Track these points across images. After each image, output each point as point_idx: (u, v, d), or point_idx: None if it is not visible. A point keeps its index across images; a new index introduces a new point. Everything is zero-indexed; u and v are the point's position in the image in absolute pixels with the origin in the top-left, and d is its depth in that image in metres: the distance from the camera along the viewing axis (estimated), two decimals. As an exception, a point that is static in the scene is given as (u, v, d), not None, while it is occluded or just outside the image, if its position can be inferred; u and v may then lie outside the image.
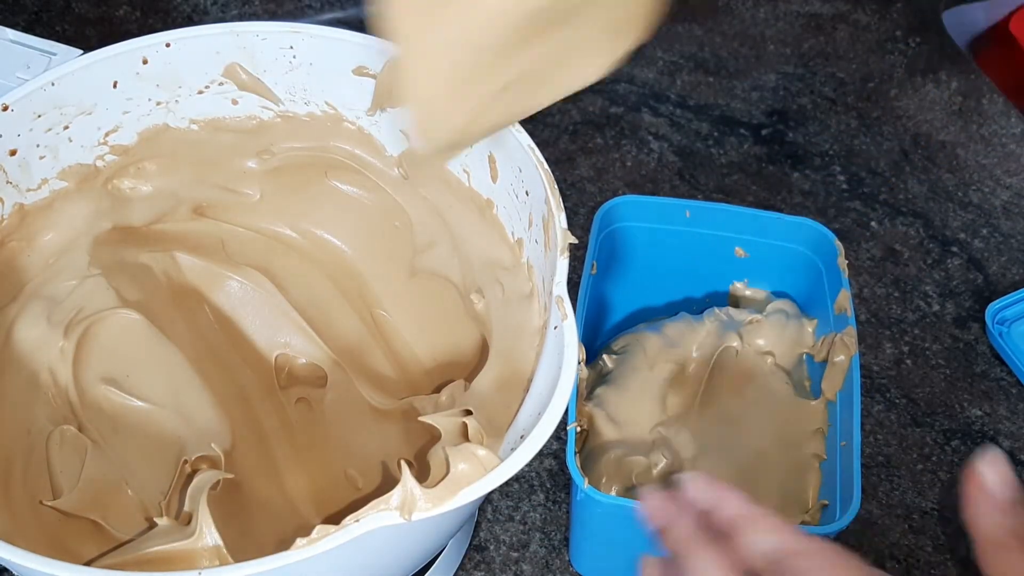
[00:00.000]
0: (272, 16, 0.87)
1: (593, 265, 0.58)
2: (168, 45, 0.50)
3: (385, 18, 0.36)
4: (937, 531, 0.61)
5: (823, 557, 0.35)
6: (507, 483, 0.37)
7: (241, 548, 0.43)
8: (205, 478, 0.46)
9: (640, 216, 0.62)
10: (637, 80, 0.85)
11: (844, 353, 0.56)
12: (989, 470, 0.36)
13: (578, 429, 0.54)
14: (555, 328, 0.42)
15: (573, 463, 0.49)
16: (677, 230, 0.62)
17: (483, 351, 0.52)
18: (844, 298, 0.57)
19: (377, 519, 0.36)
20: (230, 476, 0.48)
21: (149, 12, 0.85)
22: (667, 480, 0.54)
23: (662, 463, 0.54)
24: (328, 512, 0.52)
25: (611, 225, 0.61)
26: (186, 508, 0.46)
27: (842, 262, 0.58)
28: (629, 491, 0.53)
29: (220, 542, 0.41)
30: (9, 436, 0.48)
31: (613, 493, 0.52)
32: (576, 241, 0.43)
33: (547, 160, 0.45)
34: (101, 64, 0.49)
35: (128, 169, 0.53)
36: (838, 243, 0.59)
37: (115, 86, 0.50)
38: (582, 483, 0.48)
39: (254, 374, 0.56)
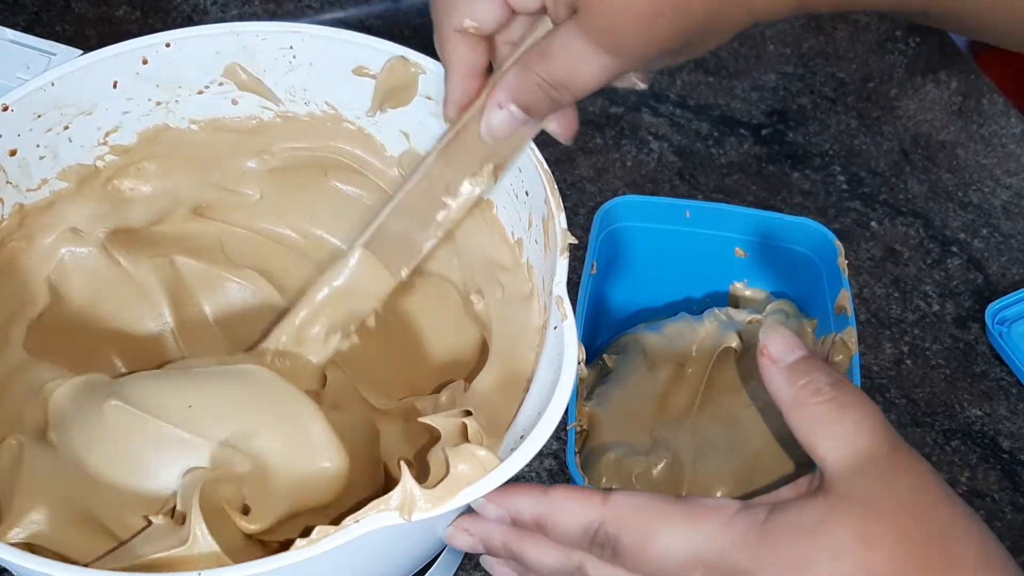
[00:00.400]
0: (272, 16, 0.87)
1: (593, 265, 0.58)
2: (168, 45, 0.50)
3: None
4: (937, 531, 0.61)
5: (627, 514, 0.36)
6: (507, 483, 0.37)
7: (242, 548, 0.43)
8: (196, 477, 0.45)
9: (640, 216, 0.62)
10: (637, 80, 0.85)
11: (844, 353, 0.56)
12: (772, 341, 0.37)
13: (578, 429, 0.54)
14: (555, 328, 0.42)
15: (573, 463, 0.49)
16: (677, 230, 0.62)
17: (483, 351, 0.52)
18: (844, 298, 0.57)
19: (377, 519, 0.36)
20: (219, 472, 0.46)
21: (149, 12, 0.85)
22: (666, 481, 0.54)
23: (662, 463, 0.54)
24: (328, 512, 0.52)
25: (611, 225, 0.61)
26: (179, 508, 0.45)
27: (842, 262, 0.58)
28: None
29: (216, 548, 0.40)
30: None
31: None
32: (576, 241, 0.43)
33: (547, 160, 0.45)
34: (101, 64, 0.49)
35: (128, 169, 0.53)
36: (838, 243, 0.59)
37: (115, 86, 0.50)
38: (582, 483, 0.48)
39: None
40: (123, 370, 0.55)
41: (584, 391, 0.57)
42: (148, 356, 0.55)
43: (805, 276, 0.61)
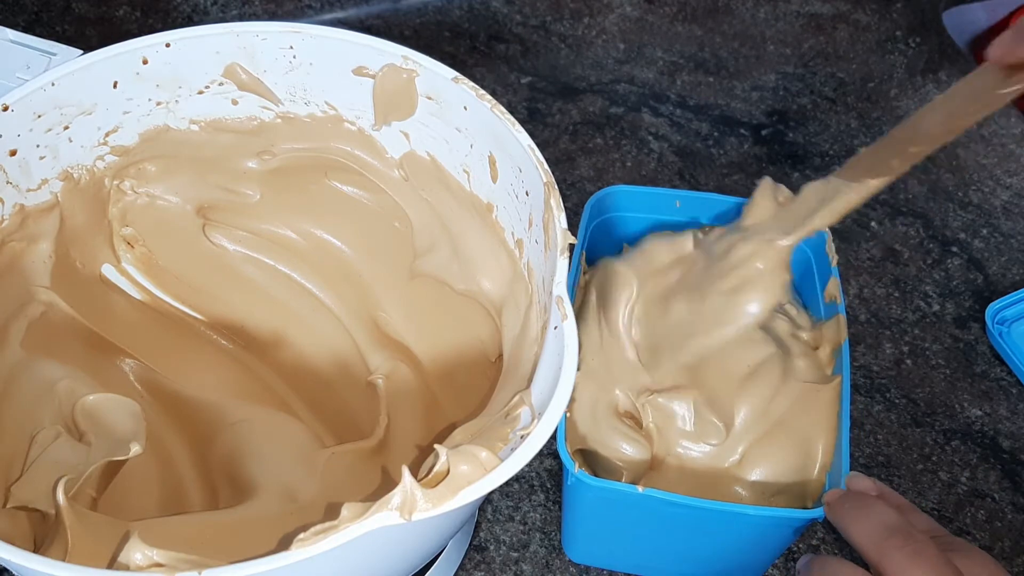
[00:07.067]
0: (272, 16, 0.87)
1: (583, 255, 0.58)
2: (168, 45, 0.50)
3: None
4: (937, 531, 0.61)
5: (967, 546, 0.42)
6: (507, 483, 0.37)
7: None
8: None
9: (631, 206, 0.62)
10: (637, 80, 0.85)
11: (833, 340, 0.55)
12: (853, 481, 0.46)
13: (568, 415, 0.54)
14: (555, 328, 0.42)
15: (563, 448, 0.49)
16: (667, 220, 0.62)
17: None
18: (834, 286, 0.57)
19: (377, 519, 0.36)
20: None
21: (149, 12, 0.85)
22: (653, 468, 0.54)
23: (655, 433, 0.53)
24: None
25: (602, 215, 0.61)
26: None
27: (830, 249, 0.58)
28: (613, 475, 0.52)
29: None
30: (13, 440, 0.48)
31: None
32: (576, 241, 0.43)
33: (547, 160, 0.45)
34: (101, 64, 0.49)
35: (128, 170, 0.53)
36: (827, 230, 0.58)
37: (115, 86, 0.50)
38: (572, 467, 0.48)
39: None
40: (124, 368, 0.55)
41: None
42: (148, 354, 0.55)
43: (795, 265, 0.61)
